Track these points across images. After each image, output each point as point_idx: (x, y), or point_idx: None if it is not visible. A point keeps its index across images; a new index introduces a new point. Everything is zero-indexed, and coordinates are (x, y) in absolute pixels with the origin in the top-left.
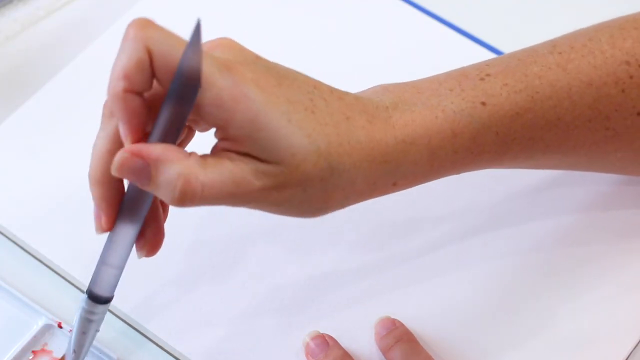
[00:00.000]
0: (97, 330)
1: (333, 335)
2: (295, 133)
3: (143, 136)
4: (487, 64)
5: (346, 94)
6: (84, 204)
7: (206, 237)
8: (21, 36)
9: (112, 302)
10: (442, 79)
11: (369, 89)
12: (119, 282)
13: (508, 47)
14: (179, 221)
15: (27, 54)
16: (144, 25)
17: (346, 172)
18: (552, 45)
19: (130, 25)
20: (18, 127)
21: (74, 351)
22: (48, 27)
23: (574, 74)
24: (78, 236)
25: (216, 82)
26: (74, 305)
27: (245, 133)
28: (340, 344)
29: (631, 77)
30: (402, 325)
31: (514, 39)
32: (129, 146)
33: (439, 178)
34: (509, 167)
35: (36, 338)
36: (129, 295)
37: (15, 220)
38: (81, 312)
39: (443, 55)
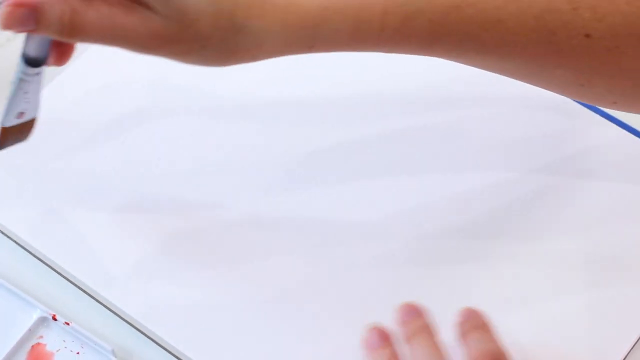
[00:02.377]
0: (28, 93)
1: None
2: None
3: None
4: None
5: None
6: (77, 199)
7: (204, 231)
8: (22, 37)
9: (110, 299)
10: None
11: None
12: (120, 282)
13: None
14: (178, 220)
15: None
16: None
17: (253, 35)
18: None
19: None
20: None
21: (7, 98)
22: None
23: None
24: (72, 230)
25: None
26: (68, 298)
27: None
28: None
29: None
30: (479, 314)
31: None
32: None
33: (362, 51)
34: (442, 58)
35: (31, 331)
36: (127, 292)
37: (9, 216)
38: (17, 71)
39: None
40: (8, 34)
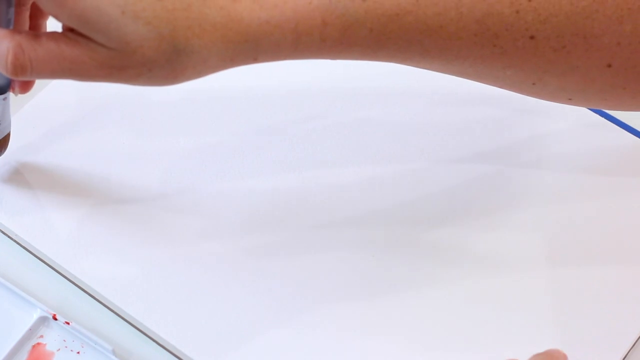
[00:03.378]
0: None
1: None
2: (129, 24)
3: None
4: None
5: None
6: (78, 198)
7: (204, 231)
8: None
9: (110, 298)
10: None
11: None
12: (120, 282)
13: None
14: (178, 220)
15: None
16: None
17: (195, 53)
18: None
19: None
20: (19, 128)
21: None
22: (50, 29)
23: None
24: (72, 229)
25: None
26: (68, 297)
27: (75, 25)
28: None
29: (530, 0)
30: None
31: None
32: None
33: (305, 59)
34: (387, 62)
35: (32, 330)
36: (128, 292)
37: (9, 215)
38: None
39: None
40: None
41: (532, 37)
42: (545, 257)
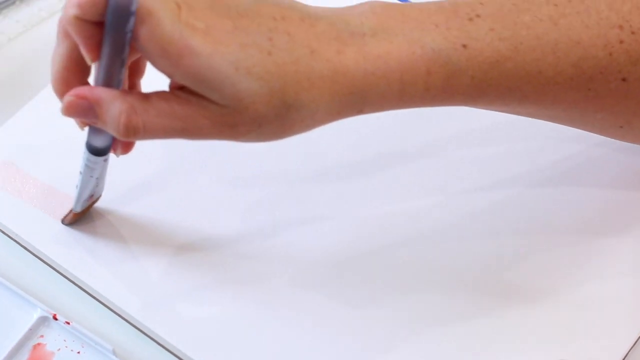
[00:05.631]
0: (97, 178)
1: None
2: (243, 80)
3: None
4: (481, 2)
5: (320, 19)
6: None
7: (204, 229)
8: (23, 37)
9: (110, 298)
10: (432, 11)
11: (356, 5)
12: (120, 281)
13: None
14: (178, 220)
15: (29, 55)
16: None
17: (304, 107)
18: None
19: None
20: (20, 128)
21: (76, 186)
22: (50, 29)
23: (564, 30)
24: (72, 228)
25: (164, 34)
26: (68, 297)
27: (189, 83)
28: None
29: (621, 42)
30: None
31: None
32: (74, 90)
33: (408, 108)
34: (485, 109)
35: (32, 330)
36: (128, 291)
37: (9, 215)
38: (83, 158)
39: None
40: (9, 33)
41: (624, 80)
42: (545, 257)
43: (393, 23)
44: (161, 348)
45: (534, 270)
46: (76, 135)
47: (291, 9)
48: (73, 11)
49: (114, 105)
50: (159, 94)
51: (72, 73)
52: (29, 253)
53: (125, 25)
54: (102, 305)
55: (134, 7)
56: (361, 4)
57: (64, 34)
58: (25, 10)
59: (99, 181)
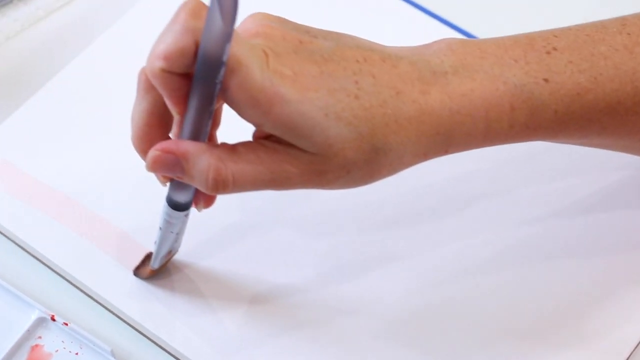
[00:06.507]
0: (177, 233)
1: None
2: (333, 126)
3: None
4: (555, 34)
5: (401, 59)
6: (76, 198)
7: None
8: (21, 36)
9: (109, 299)
10: (508, 45)
11: (433, 43)
12: (119, 283)
13: None
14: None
15: (27, 53)
16: (196, 13)
17: (393, 151)
18: (622, 24)
19: (181, 9)
20: (18, 127)
21: (155, 242)
22: (48, 27)
23: None
24: (71, 230)
25: (255, 83)
26: (67, 298)
27: (279, 132)
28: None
29: None
30: None
31: None
32: (159, 144)
33: (491, 146)
34: (563, 143)
35: (30, 331)
36: (126, 292)
37: (7, 215)
38: (162, 213)
39: None
40: (7, 32)
41: None
42: (546, 257)
43: (472, 59)
44: (159, 349)
45: (535, 271)
46: (74, 134)
47: (371, 50)
48: (159, 64)
49: (202, 159)
50: (245, 145)
51: (155, 128)
52: (26, 254)
53: (215, 76)
54: (100, 306)
55: (225, 57)
56: (437, 42)
57: (146, 88)
58: (23, 9)
59: (179, 236)
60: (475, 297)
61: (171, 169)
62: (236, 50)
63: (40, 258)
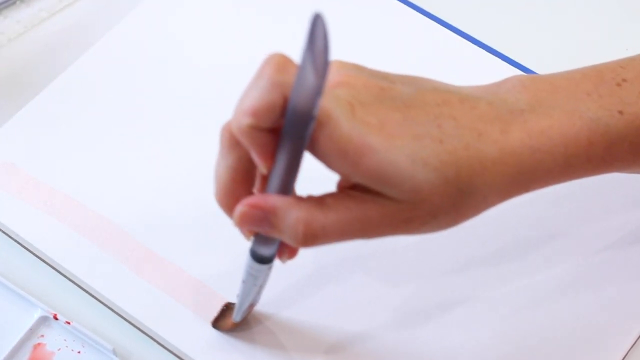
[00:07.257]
0: (260, 286)
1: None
2: (420, 172)
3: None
4: (621, 65)
5: (479, 100)
6: (78, 196)
7: (203, 229)
8: (24, 38)
9: (111, 298)
10: (578, 78)
11: (504, 81)
12: (121, 281)
13: (518, 53)
14: (178, 219)
15: (29, 55)
16: (281, 68)
17: (478, 192)
18: None
19: (266, 63)
20: (20, 128)
21: (238, 295)
22: (51, 29)
23: None
24: (73, 228)
25: (343, 135)
26: (69, 297)
27: (368, 182)
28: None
29: None
30: None
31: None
32: (246, 200)
33: (569, 181)
34: (633, 173)
35: (32, 330)
36: (129, 291)
37: (9, 214)
38: (246, 266)
39: (450, 62)
40: (10, 34)
41: None
42: (544, 256)
43: (545, 95)
44: (162, 348)
45: (533, 270)
46: (77, 136)
47: (448, 92)
48: (247, 121)
49: (291, 213)
50: (333, 197)
51: (240, 184)
52: (29, 253)
53: (305, 130)
54: (102, 305)
55: (316, 112)
56: (508, 80)
57: (231, 144)
58: (26, 10)
59: (262, 289)
60: (472, 296)
61: (259, 225)
62: (324, 102)
63: (42, 257)
